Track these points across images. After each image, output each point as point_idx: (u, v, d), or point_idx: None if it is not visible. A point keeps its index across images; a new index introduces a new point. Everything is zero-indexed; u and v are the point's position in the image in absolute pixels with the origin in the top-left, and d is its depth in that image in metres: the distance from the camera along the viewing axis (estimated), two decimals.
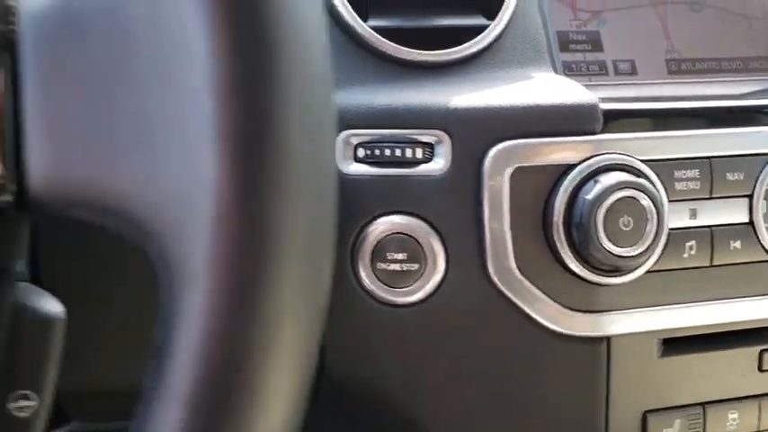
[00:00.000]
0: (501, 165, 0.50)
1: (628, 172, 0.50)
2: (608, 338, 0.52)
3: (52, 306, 0.33)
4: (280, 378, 0.26)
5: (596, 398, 0.53)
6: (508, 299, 0.51)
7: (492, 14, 0.56)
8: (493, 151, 0.50)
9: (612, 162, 0.50)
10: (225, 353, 0.25)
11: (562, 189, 0.50)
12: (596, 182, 0.49)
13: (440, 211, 0.50)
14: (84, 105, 0.26)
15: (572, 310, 0.51)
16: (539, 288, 0.51)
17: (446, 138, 0.50)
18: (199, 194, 0.25)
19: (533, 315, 0.51)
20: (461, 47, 0.55)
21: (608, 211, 0.49)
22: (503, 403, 0.53)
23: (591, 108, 0.51)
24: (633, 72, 0.60)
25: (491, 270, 0.50)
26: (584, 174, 0.50)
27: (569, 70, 0.59)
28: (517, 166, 0.50)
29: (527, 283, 0.51)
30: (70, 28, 0.26)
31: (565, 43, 0.59)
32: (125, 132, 0.26)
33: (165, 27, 0.25)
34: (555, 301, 0.51)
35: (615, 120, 0.53)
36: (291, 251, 0.26)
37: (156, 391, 0.25)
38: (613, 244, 0.49)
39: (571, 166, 0.50)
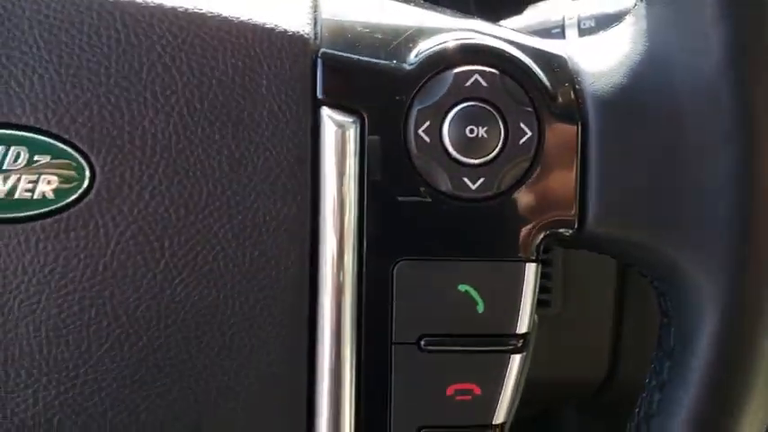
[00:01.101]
0: None
1: None
2: None
3: None
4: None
5: None
6: None
7: None
8: None
9: None
10: (734, 365, 0.34)
11: None
12: None
13: None
14: (632, 166, 0.34)
15: None
16: None
17: None
18: (716, 239, 0.33)
19: None
20: None
21: None
22: None
23: None
24: None
25: None
26: None
27: None
28: None
29: None
30: (632, 108, 0.34)
31: None
32: (661, 190, 0.34)
33: (706, 108, 0.33)
34: None
35: None
36: None
37: (676, 383, 0.34)
38: None
39: None
